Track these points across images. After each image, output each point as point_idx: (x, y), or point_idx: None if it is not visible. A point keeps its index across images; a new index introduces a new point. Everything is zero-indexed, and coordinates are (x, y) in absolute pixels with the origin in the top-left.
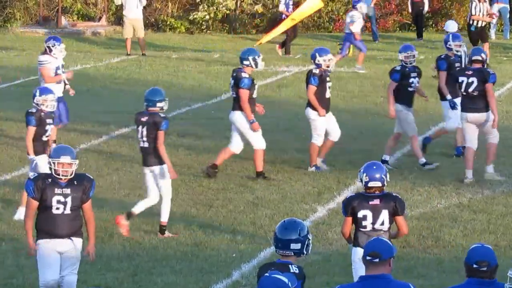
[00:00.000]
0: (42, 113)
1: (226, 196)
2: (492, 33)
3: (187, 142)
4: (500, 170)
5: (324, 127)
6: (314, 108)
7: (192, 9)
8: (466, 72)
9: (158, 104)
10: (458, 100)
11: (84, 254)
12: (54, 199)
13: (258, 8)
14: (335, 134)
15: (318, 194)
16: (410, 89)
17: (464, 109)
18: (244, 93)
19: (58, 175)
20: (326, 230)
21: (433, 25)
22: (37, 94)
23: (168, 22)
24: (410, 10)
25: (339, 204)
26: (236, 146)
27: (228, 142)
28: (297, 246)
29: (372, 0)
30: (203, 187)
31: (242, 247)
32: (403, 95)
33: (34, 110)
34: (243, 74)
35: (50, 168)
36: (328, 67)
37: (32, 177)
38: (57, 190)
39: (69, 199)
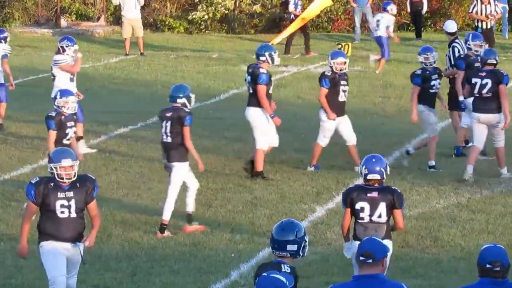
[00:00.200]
0: (63, 116)
1: (224, 196)
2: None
3: None
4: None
5: (332, 130)
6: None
7: (190, 9)
8: (480, 74)
9: (179, 100)
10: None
11: (83, 241)
12: (58, 203)
13: (257, 8)
14: (350, 138)
15: (317, 194)
16: (432, 91)
17: (477, 110)
18: (262, 89)
19: (62, 179)
20: (325, 230)
21: (432, 25)
22: (58, 96)
23: (167, 22)
24: (409, 10)
25: (338, 204)
26: (272, 141)
27: (226, 142)
28: (294, 247)
29: (368, 0)
30: (202, 187)
31: (241, 247)
32: (425, 96)
33: (53, 114)
34: (261, 70)
35: (52, 173)
36: (341, 70)
37: (33, 182)
38: (60, 194)
39: (72, 202)
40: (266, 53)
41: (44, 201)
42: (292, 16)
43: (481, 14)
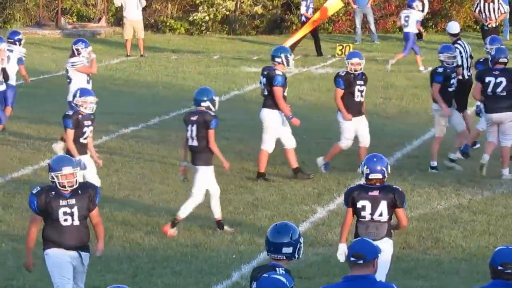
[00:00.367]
0: (80, 116)
1: (225, 197)
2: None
3: None
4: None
5: (353, 130)
6: None
7: (191, 10)
8: (494, 73)
9: (203, 104)
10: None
11: (94, 251)
12: (61, 211)
13: (258, 9)
14: (365, 140)
15: (318, 195)
16: (450, 89)
17: (489, 110)
18: (278, 91)
19: (64, 187)
20: (326, 231)
21: (433, 26)
22: (77, 94)
23: (168, 23)
24: None
25: (339, 205)
26: (287, 142)
27: (227, 143)
28: (289, 249)
29: (369, 0)
30: None
31: (242, 248)
32: (443, 95)
33: (71, 113)
34: (276, 72)
35: (53, 182)
36: (355, 71)
37: (34, 192)
38: (62, 202)
39: (75, 209)
40: (282, 55)
41: (46, 210)
42: (304, 18)
43: (484, 13)
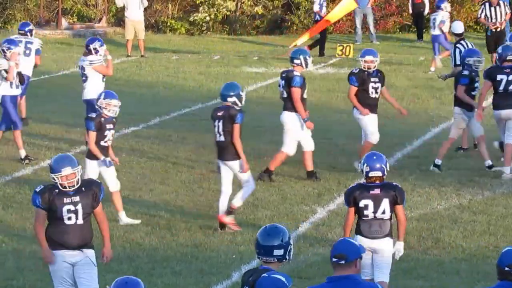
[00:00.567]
0: (102, 118)
1: None
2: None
3: (187, 143)
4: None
5: (375, 123)
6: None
7: (192, 10)
8: (505, 70)
9: (229, 99)
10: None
11: (101, 257)
12: (65, 209)
13: (258, 9)
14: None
15: (318, 195)
16: (473, 93)
17: (498, 107)
18: (296, 92)
19: (65, 188)
20: (326, 231)
21: None
22: (102, 97)
23: (168, 24)
24: (410, 11)
25: (339, 205)
26: (306, 145)
27: None
28: (280, 252)
29: (369, 0)
30: (203, 188)
31: (242, 249)
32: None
33: (93, 115)
34: (295, 73)
35: (55, 183)
36: (369, 68)
37: (38, 190)
38: (66, 200)
39: (79, 207)
40: (301, 57)
41: (50, 207)
42: (317, 17)
43: (491, 17)
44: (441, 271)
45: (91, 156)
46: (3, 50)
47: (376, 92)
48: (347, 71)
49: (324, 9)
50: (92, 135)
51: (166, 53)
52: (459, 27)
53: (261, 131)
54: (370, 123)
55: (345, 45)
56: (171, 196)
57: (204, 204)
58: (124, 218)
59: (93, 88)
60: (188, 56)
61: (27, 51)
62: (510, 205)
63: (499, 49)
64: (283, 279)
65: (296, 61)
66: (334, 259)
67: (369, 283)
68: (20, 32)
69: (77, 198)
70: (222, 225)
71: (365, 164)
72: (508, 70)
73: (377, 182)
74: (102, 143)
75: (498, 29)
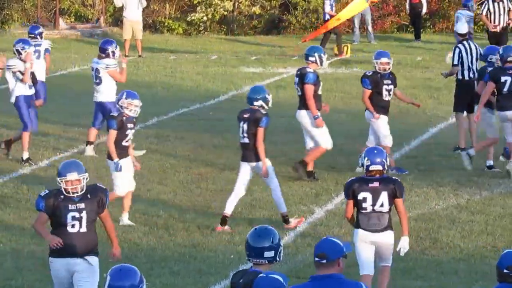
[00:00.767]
0: (124, 118)
1: (224, 198)
2: None
3: (185, 143)
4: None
5: (387, 126)
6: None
7: (189, 10)
8: (508, 72)
9: (255, 103)
10: None
11: (109, 256)
12: (69, 215)
13: (256, 9)
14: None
15: (316, 195)
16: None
17: (504, 108)
18: (309, 88)
19: (69, 193)
20: (324, 231)
21: (431, 26)
22: (124, 96)
23: (166, 24)
24: (408, 12)
25: (337, 205)
26: (311, 144)
27: (226, 143)
28: (271, 253)
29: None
30: (201, 188)
31: (240, 249)
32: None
33: (115, 114)
34: (308, 70)
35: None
36: (384, 70)
37: (42, 194)
38: (71, 206)
39: (84, 214)
40: (316, 54)
41: (54, 213)
42: (328, 16)
43: (494, 13)
44: (439, 271)
45: (118, 156)
46: (17, 51)
47: (389, 95)
48: (345, 71)
49: (334, 8)
50: (113, 133)
51: (164, 53)
52: (463, 27)
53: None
54: (382, 125)
55: (342, 45)
56: (169, 196)
57: (202, 204)
58: (125, 220)
59: (108, 90)
60: (186, 56)
61: (36, 54)
62: (508, 205)
63: (500, 50)
64: (280, 279)
65: (311, 58)
66: (316, 259)
67: (352, 281)
68: (30, 35)
69: (82, 205)
70: (224, 220)
71: (366, 158)
72: (511, 71)
73: (377, 176)
74: (123, 142)
75: (498, 31)
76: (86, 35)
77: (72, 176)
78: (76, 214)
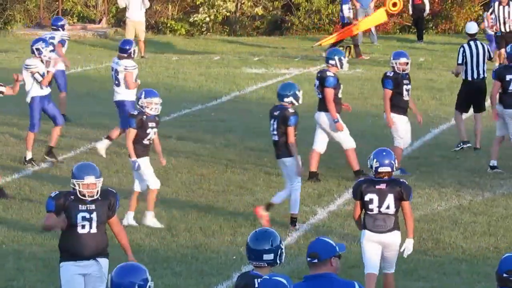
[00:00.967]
0: (145, 116)
1: (226, 198)
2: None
3: (187, 144)
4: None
5: (404, 128)
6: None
7: (192, 11)
8: None
9: (285, 99)
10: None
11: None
12: (79, 216)
13: (258, 10)
14: (405, 140)
15: (318, 196)
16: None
17: (509, 106)
18: (329, 92)
19: (84, 196)
20: (326, 232)
21: (433, 27)
22: (142, 96)
23: (169, 24)
24: (410, 13)
25: (339, 206)
26: (320, 146)
27: (228, 144)
28: (270, 256)
29: (372, 1)
30: (203, 189)
31: (243, 249)
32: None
33: (135, 113)
34: (328, 73)
35: (74, 189)
36: (403, 70)
37: (53, 195)
38: (81, 207)
39: (94, 215)
40: (336, 57)
41: (65, 214)
42: (346, 20)
43: (499, 16)
44: (442, 272)
45: (139, 155)
46: (38, 50)
47: (408, 95)
48: (347, 72)
49: (351, 12)
50: (132, 132)
51: (166, 54)
52: (472, 27)
53: (260, 132)
54: (400, 127)
55: (345, 46)
56: (171, 197)
57: (204, 205)
58: (130, 219)
59: (127, 90)
60: (188, 57)
61: (51, 46)
62: (510, 206)
63: (508, 48)
64: (284, 281)
65: (331, 61)
66: (308, 258)
67: (345, 281)
68: (53, 27)
69: (92, 207)
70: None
71: (375, 160)
72: None
73: (386, 177)
74: (144, 141)
75: (503, 29)
76: (89, 36)
77: (90, 179)
78: (87, 215)
